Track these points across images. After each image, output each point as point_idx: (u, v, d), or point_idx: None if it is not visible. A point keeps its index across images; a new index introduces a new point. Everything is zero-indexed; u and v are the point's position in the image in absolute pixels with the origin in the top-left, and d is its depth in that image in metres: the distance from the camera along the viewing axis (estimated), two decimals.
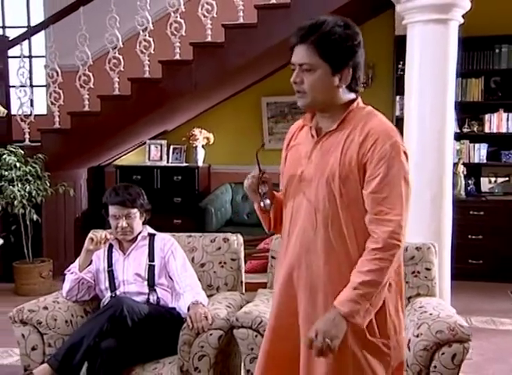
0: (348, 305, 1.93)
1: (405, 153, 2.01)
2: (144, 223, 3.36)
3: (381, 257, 1.95)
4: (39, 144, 6.02)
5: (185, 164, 6.95)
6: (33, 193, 5.56)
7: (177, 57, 5.68)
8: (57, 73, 5.92)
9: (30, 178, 5.59)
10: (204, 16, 5.56)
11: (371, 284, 1.95)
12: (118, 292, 3.19)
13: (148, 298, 3.15)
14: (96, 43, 6.09)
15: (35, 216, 5.63)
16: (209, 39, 5.59)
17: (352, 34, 2.01)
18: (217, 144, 6.92)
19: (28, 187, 5.53)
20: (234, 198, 6.87)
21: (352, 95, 2.09)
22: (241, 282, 3.49)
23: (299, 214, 2.13)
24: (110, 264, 3.27)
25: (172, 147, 7.00)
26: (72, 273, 3.19)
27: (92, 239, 3.15)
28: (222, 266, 3.45)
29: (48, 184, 5.67)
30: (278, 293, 2.21)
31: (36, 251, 5.84)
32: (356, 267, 1.99)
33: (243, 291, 3.50)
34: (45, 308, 3.05)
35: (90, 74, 5.86)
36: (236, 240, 3.51)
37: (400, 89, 5.84)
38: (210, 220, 6.23)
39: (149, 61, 5.73)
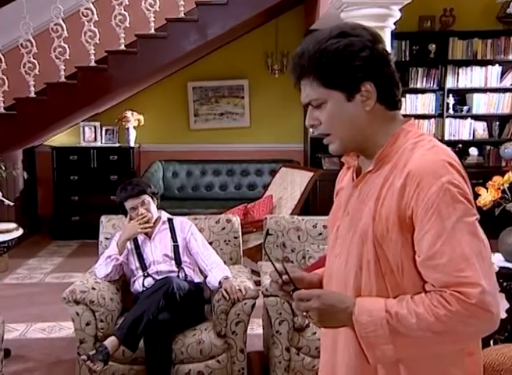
0: (366, 320, 1.42)
1: (464, 195, 1.41)
2: (157, 208, 3.83)
3: (447, 314, 1.36)
4: None
5: (118, 144, 7.29)
6: None
7: (92, 64, 5.94)
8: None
9: None
10: (117, 25, 5.82)
11: (407, 327, 1.39)
12: (150, 271, 3.63)
13: (178, 276, 3.61)
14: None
15: None
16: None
17: (352, 42, 1.48)
18: (146, 125, 7.31)
19: None
20: (165, 175, 7.32)
21: (398, 116, 1.57)
22: (240, 256, 4.04)
23: (330, 285, 1.60)
24: (137, 246, 3.71)
25: (104, 128, 7.29)
26: (113, 259, 3.56)
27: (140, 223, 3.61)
28: (227, 244, 3.97)
29: (4, 168, 5.80)
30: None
31: None
32: (408, 296, 1.43)
33: (242, 262, 4.05)
34: (93, 288, 3.43)
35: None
36: (237, 220, 4.06)
37: None
38: None
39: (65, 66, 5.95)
